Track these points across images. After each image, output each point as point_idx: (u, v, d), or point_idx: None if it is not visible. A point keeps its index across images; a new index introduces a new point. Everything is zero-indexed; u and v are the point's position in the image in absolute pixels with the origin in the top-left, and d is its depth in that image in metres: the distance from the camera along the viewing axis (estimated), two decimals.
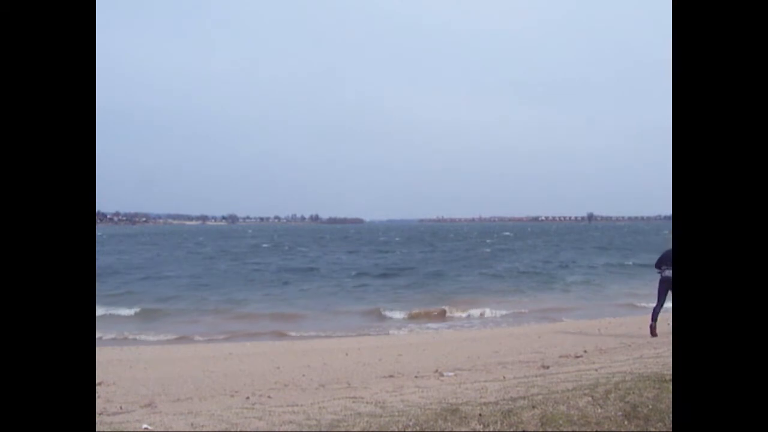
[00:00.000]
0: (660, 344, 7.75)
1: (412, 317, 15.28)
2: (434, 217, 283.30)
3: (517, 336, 10.62)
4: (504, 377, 5.57)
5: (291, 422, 3.91)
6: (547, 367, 6.26)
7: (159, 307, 17.00)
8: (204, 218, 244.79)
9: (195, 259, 38.31)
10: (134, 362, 8.77)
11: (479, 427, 3.42)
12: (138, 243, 62.45)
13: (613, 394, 3.98)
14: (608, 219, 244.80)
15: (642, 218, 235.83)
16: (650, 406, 3.62)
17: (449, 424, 3.52)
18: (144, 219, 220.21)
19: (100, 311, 14.92)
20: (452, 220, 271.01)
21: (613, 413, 3.56)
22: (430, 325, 14.27)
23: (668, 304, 8.47)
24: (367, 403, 4.54)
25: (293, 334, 13.03)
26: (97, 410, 4.84)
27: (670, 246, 8.71)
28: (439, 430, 3.43)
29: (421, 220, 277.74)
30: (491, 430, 3.38)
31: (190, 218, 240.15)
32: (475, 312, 15.70)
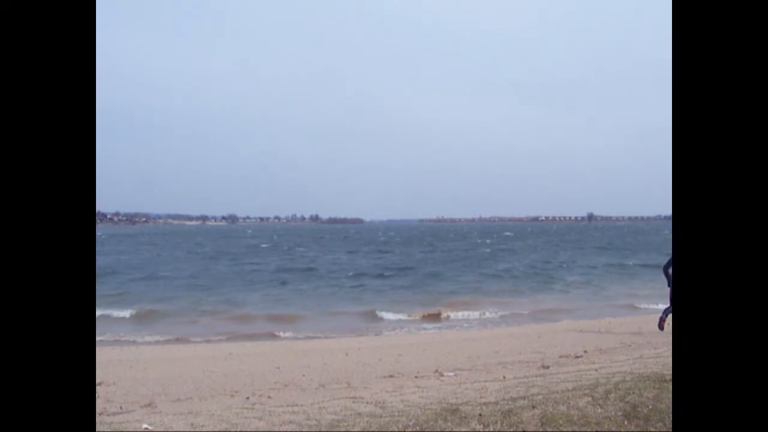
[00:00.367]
0: (660, 344, 7.76)
1: (411, 318, 15.24)
2: (434, 217, 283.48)
3: (517, 336, 10.63)
4: (504, 377, 5.57)
5: (291, 422, 3.92)
6: (547, 367, 6.27)
7: (156, 308, 16.96)
8: (204, 218, 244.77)
9: (194, 259, 38.30)
10: (134, 362, 8.76)
11: (479, 427, 3.42)
12: (137, 243, 62.43)
13: (613, 394, 3.99)
14: (608, 219, 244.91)
15: (642, 218, 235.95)
16: (650, 406, 3.62)
17: (449, 424, 3.52)
18: (144, 219, 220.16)
19: (97, 312, 14.89)
20: (452, 220, 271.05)
21: (613, 413, 3.56)
22: (429, 325, 14.24)
23: None
24: (367, 403, 4.54)
25: (287, 334, 13.00)
26: (97, 410, 4.83)
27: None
28: (439, 430, 3.43)
29: (421, 220, 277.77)
30: (491, 430, 3.38)
31: (190, 218, 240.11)
32: (475, 312, 15.68)
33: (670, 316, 8.80)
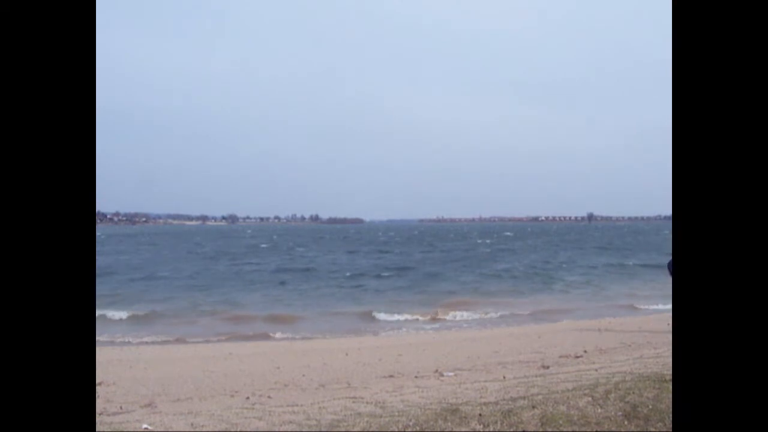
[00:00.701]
0: (660, 344, 7.76)
1: (411, 318, 15.23)
2: (434, 217, 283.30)
3: (517, 336, 10.63)
4: (504, 377, 5.57)
5: (291, 422, 3.92)
6: (547, 367, 6.27)
7: (156, 308, 16.97)
8: (204, 218, 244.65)
9: (194, 259, 38.29)
10: (134, 362, 8.76)
11: (479, 427, 3.42)
12: (137, 243, 62.42)
13: (613, 394, 3.99)
14: (608, 219, 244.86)
15: (642, 218, 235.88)
16: (650, 406, 3.62)
17: (449, 424, 3.52)
18: (144, 219, 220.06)
19: (97, 312, 14.88)
20: (452, 220, 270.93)
21: (613, 413, 3.56)
22: (428, 325, 14.23)
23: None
24: (367, 403, 4.54)
25: (287, 335, 12.98)
26: (97, 410, 4.84)
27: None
28: (439, 430, 3.43)
29: (421, 220, 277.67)
30: (491, 430, 3.38)
31: (190, 218, 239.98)
32: (475, 312, 15.68)
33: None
